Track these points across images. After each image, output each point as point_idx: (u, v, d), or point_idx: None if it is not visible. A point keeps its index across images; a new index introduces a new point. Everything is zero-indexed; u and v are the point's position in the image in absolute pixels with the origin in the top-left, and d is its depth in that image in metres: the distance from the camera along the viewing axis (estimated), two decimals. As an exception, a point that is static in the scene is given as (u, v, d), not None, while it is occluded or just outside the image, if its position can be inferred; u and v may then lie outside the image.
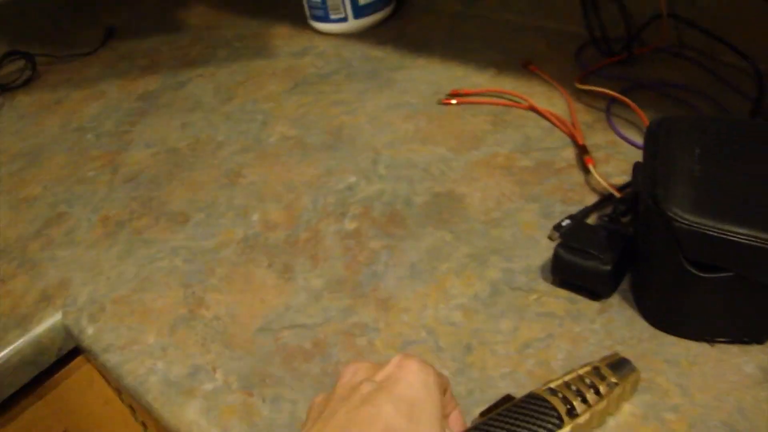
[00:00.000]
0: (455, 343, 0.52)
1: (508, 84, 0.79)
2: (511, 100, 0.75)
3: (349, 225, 0.64)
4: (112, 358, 0.58)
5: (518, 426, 0.39)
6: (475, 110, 0.76)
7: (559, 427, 0.39)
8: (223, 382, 0.53)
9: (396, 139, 0.74)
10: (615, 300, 0.52)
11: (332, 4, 0.92)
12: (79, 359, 0.69)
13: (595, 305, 0.52)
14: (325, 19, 0.94)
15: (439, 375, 0.39)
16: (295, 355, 0.54)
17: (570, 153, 0.67)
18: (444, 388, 0.40)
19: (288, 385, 0.52)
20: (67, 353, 0.66)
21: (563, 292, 0.53)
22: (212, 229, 0.67)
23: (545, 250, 0.58)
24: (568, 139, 0.69)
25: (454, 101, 0.77)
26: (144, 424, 0.76)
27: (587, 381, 0.42)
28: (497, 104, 0.76)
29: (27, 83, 1.09)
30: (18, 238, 0.75)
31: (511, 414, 0.40)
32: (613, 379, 0.42)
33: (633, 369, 0.44)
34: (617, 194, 0.59)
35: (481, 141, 0.71)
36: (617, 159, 0.65)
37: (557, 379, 0.43)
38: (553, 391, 0.41)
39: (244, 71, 0.96)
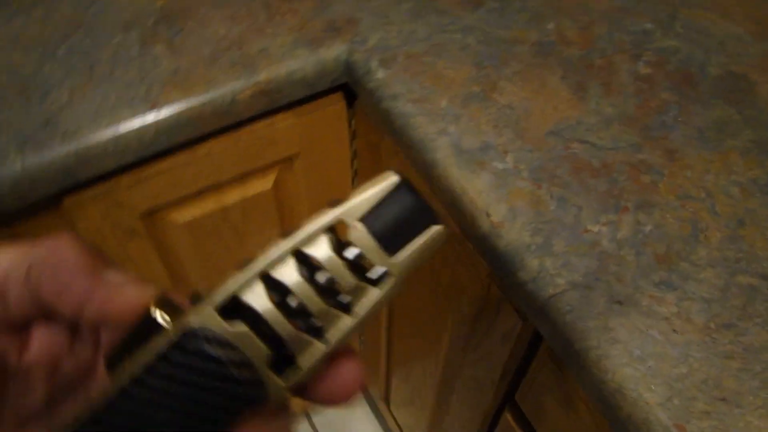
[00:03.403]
0: (731, 213, 0.55)
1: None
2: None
3: (643, 70, 0.66)
4: (400, 107, 0.62)
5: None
6: (777, 3, 0.75)
7: (260, 403, 0.23)
8: (513, 166, 0.58)
9: (695, 1, 0.73)
10: None
11: None
12: (334, 96, 0.73)
13: None
14: None
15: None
16: (583, 168, 0.58)
17: None
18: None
19: (575, 191, 0.56)
20: (328, 88, 0.70)
21: None
22: (506, 22, 0.69)
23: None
24: None
25: (758, -15, 0.75)
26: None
27: (330, 279, 0.23)
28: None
29: None
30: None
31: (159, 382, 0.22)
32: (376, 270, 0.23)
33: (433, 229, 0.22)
34: None
35: (780, 35, 0.71)
36: None
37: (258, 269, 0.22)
38: (255, 321, 0.22)
39: None
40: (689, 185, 0.57)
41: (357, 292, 0.22)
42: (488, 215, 0.54)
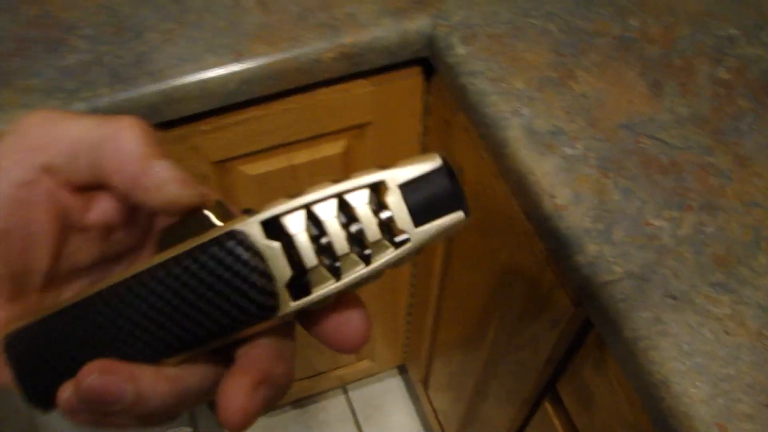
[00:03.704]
0: (797, 224, 0.55)
1: None
2: None
3: (723, 74, 0.65)
4: (478, 84, 0.63)
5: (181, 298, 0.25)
6: None
7: (269, 314, 0.25)
8: (582, 153, 0.58)
9: (785, 13, 0.73)
10: None
11: None
12: (412, 69, 0.74)
13: None
14: None
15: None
16: (651, 163, 0.58)
17: None
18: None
19: (641, 185, 0.56)
20: (407, 60, 0.71)
21: None
22: (590, 13, 0.69)
23: None
24: None
25: None
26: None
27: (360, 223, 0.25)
28: None
29: None
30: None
31: (190, 268, 0.25)
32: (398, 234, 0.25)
33: (455, 214, 0.25)
34: None
35: None
36: None
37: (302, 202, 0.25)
38: (286, 239, 0.25)
39: None
40: (757, 193, 0.57)
41: (377, 248, 0.25)
42: (552, 197, 0.55)
